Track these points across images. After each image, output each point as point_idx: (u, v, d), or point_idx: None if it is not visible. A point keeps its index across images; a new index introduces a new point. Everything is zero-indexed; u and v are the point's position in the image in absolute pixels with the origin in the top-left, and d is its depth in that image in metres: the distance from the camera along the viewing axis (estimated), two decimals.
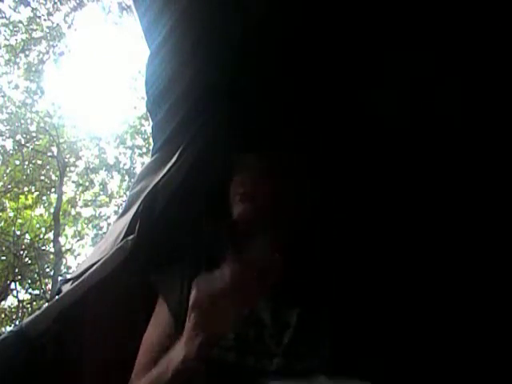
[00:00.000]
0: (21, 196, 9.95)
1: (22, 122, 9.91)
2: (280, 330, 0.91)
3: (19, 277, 9.43)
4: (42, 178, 10.24)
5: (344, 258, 1.10)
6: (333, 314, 0.93)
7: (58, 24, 8.88)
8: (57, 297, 1.02)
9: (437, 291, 1.17)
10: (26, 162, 10.05)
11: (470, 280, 1.18)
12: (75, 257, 10.62)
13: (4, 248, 9.37)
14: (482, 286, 1.17)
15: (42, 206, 10.50)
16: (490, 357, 1.11)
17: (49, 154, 10.13)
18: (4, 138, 9.91)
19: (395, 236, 1.21)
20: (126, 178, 10.28)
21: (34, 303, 9.47)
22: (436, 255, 1.20)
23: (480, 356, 1.12)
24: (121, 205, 9.87)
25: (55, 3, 8.60)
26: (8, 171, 9.93)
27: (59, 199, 9.48)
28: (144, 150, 10.23)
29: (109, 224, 9.88)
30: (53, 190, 10.20)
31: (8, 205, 10.05)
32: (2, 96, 9.66)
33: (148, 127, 9.82)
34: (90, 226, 10.59)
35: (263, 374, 0.85)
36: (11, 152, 10.06)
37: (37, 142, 10.16)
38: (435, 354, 1.10)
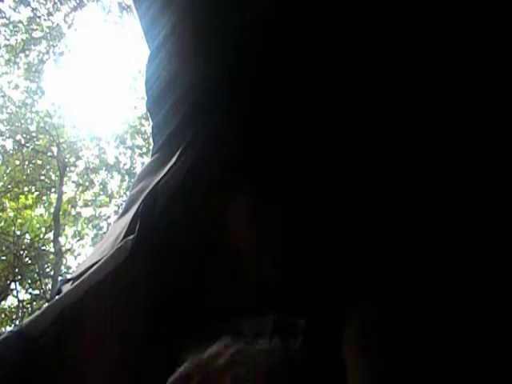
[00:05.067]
0: (21, 196, 9.95)
1: (22, 121, 9.91)
2: (254, 337, 0.91)
3: (19, 277, 9.43)
4: (42, 178, 10.24)
5: (323, 265, 1.10)
6: (310, 321, 0.92)
7: (58, 24, 8.89)
8: (57, 297, 1.02)
9: (438, 293, 1.17)
10: (26, 162, 10.05)
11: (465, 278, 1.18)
12: (75, 257, 10.64)
13: (4, 248, 9.37)
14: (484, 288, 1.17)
15: (42, 206, 10.51)
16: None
17: (49, 154, 10.13)
18: (4, 137, 9.92)
19: (391, 241, 1.21)
20: (126, 177, 10.28)
21: (34, 303, 9.47)
22: (436, 258, 1.20)
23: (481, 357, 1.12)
24: (121, 205, 9.87)
25: (55, 3, 8.60)
26: (8, 171, 9.93)
27: (59, 199, 9.48)
28: (144, 149, 10.24)
29: (109, 224, 9.89)
30: (53, 190, 10.20)
31: (8, 205, 10.05)
32: (2, 96, 9.66)
33: (148, 127, 9.83)
34: (90, 225, 10.59)
35: None
36: (11, 152, 10.07)
37: (37, 142, 10.16)
38: (433, 355, 1.10)
